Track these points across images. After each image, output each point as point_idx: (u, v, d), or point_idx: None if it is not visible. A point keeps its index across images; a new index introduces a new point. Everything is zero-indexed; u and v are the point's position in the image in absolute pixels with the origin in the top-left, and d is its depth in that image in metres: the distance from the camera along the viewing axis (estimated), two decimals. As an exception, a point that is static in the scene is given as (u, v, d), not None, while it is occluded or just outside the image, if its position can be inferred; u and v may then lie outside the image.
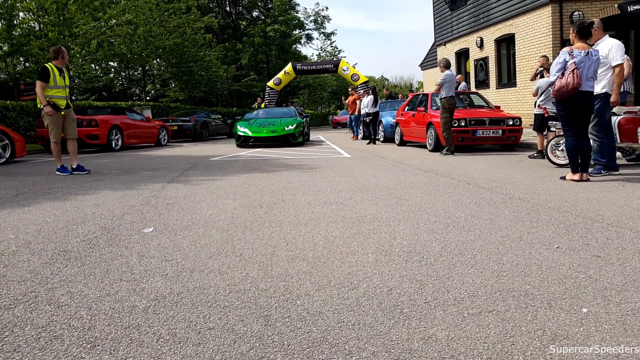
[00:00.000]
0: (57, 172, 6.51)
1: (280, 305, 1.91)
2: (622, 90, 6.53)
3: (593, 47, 5.16)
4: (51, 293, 2.06)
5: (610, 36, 5.48)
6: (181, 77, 24.79)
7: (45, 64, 6.41)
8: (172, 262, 2.48)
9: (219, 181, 5.63)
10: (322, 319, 1.77)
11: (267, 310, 1.86)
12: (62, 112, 6.43)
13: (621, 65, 5.16)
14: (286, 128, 12.02)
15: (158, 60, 24.81)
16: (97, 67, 23.03)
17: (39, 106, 6.32)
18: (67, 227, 3.28)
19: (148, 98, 27.42)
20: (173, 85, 29.15)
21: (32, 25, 15.59)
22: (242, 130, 12.07)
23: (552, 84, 4.94)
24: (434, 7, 20.68)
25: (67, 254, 2.64)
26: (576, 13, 12.28)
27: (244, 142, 12.12)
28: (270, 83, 22.12)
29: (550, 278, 2.14)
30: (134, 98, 30.73)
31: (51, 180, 5.91)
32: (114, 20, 17.33)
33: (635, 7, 9.11)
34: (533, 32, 13.76)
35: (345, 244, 2.76)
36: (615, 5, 10.96)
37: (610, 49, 5.15)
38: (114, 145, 11.96)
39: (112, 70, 24.51)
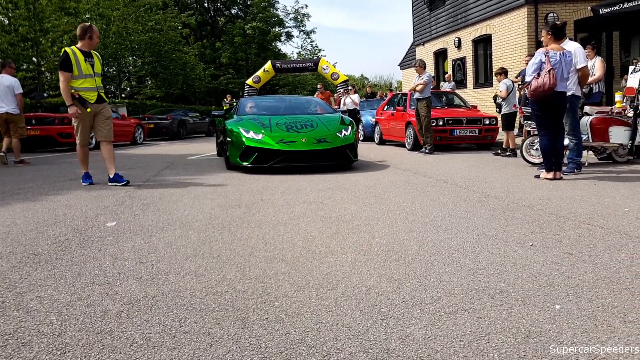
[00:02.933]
0: (83, 183, 5.19)
1: (258, 307, 1.89)
2: (596, 90, 6.74)
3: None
4: (20, 298, 1.99)
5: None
6: (157, 74, 24.35)
7: (66, 48, 4.93)
8: (146, 264, 2.42)
9: (196, 181, 5.55)
10: (300, 320, 1.76)
11: (244, 312, 1.83)
12: (89, 109, 4.96)
13: (587, 66, 5.42)
14: (339, 134, 6.31)
15: (134, 57, 24.30)
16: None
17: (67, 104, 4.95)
18: (37, 229, 3.18)
19: (123, 95, 26.84)
20: (149, 83, 28.62)
21: (1, 19, 15.07)
22: (251, 137, 6.05)
23: (528, 84, 5.04)
24: (412, 7, 20.85)
25: (37, 257, 2.56)
26: (551, 15, 12.55)
27: (258, 161, 5.99)
28: (249, 81, 21.89)
29: (525, 276, 2.18)
30: (109, 95, 30.03)
31: (21, 180, 5.72)
32: (87, 15, 16.87)
33: (607, 10, 9.38)
34: (509, 33, 14.02)
35: (324, 244, 2.75)
36: (589, 7, 11.26)
37: (574, 52, 5.29)
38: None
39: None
